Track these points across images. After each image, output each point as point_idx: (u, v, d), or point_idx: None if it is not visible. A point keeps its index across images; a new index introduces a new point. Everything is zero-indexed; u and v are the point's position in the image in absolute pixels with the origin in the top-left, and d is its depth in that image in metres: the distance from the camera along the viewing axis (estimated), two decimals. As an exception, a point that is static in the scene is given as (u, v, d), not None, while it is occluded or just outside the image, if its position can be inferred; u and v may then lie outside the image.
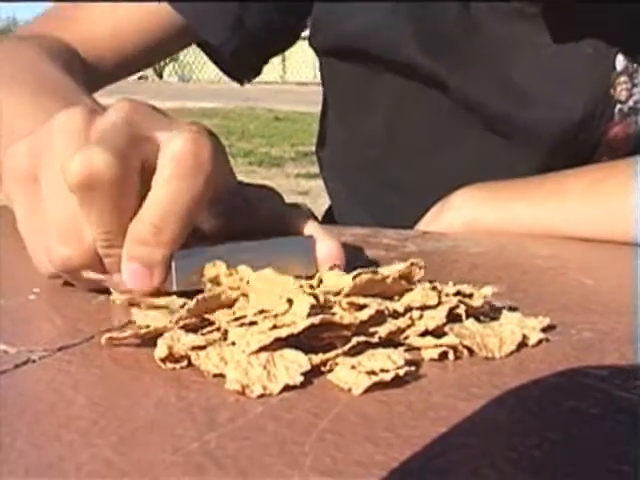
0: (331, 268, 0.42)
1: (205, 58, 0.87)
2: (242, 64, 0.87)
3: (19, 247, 0.44)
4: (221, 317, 0.36)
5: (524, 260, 0.56)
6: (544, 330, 0.38)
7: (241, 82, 0.92)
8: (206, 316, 0.37)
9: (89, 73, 0.75)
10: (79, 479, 0.25)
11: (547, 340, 0.37)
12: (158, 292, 0.40)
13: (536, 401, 0.31)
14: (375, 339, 0.34)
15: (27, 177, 0.43)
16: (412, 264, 0.40)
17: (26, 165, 0.43)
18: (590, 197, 0.64)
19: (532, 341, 0.37)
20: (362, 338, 0.34)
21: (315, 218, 0.47)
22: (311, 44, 0.85)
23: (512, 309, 0.41)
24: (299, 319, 0.34)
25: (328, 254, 0.43)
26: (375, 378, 0.31)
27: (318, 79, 0.94)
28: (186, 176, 0.39)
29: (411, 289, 0.39)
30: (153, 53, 0.83)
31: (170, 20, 0.79)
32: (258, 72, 0.91)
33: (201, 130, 0.41)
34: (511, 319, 0.39)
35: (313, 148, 0.98)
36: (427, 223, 0.70)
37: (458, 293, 0.39)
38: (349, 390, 0.31)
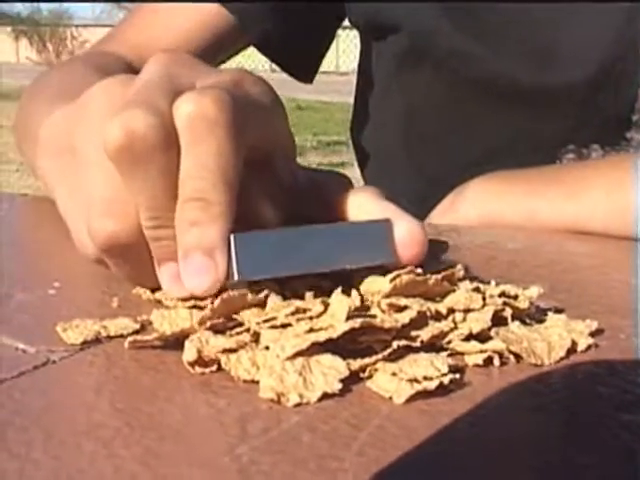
0: (411, 260, 0.38)
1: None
2: (293, 56, 0.87)
3: (38, 238, 0.42)
4: (251, 318, 0.34)
5: (563, 258, 0.54)
6: (592, 334, 0.36)
7: (303, 80, 0.91)
8: (234, 316, 0.35)
9: None
10: (101, 496, 0.23)
11: (596, 346, 0.35)
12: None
13: (589, 413, 0.29)
14: (417, 343, 0.32)
15: (64, 150, 0.40)
16: (453, 267, 0.38)
17: (63, 137, 0.40)
18: (614, 197, 0.61)
19: (581, 347, 0.35)
20: (403, 342, 0.31)
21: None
22: (350, 21, 0.85)
23: (557, 311, 0.38)
24: (337, 322, 0.31)
25: (409, 237, 0.38)
26: (418, 387, 0.29)
27: (341, 69, 0.94)
28: (202, 140, 0.36)
29: (453, 290, 0.37)
30: (213, 56, 0.82)
31: (227, 21, 0.80)
32: (315, 67, 0.90)
33: (216, 86, 0.38)
34: (557, 322, 0.37)
35: (335, 137, 0.97)
36: (440, 214, 0.67)
37: (502, 294, 0.37)
38: (390, 399, 0.29)
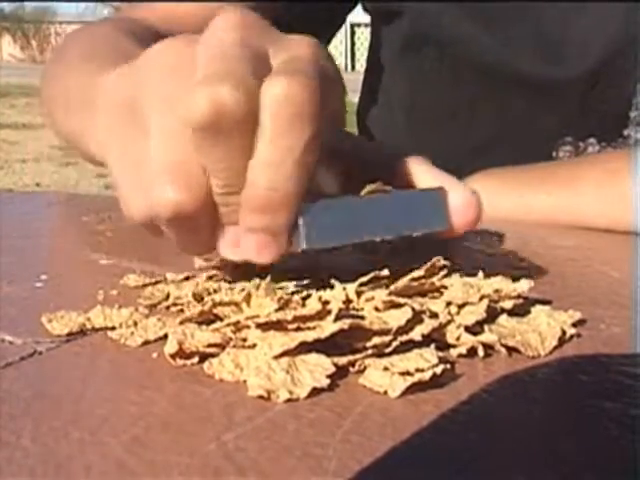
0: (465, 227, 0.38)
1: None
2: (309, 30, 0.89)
3: (25, 232, 0.42)
4: (231, 314, 0.34)
5: (546, 251, 0.54)
6: (574, 325, 0.36)
7: None
8: (215, 311, 0.35)
9: None
10: (89, 482, 0.23)
11: (578, 336, 0.36)
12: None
13: (572, 402, 0.30)
14: (419, 337, 0.32)
15: (125, 109, 0.38)
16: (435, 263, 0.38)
17: (125, 96, 0.39)
18: (606, 188, 0.62)
19: (566, 336, 0.35)
20: (404, 337, 0.32)
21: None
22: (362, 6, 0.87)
23: (540, 302, 0.39)
24: (326, 322, 0.32)
25: (463, 205, 0.39)
26: (412, 379, 0.29)
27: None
28: (289, 131, 0.34)
29: (445, 286, 0.37)
30: None
31: None
32: (328, 41, 0.91)
33: (302, 66, 0.36)
34: (540, 313, 0.37)
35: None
36: None
37: (497, 291, 0.37)
38: (385, 393, 0.29)
